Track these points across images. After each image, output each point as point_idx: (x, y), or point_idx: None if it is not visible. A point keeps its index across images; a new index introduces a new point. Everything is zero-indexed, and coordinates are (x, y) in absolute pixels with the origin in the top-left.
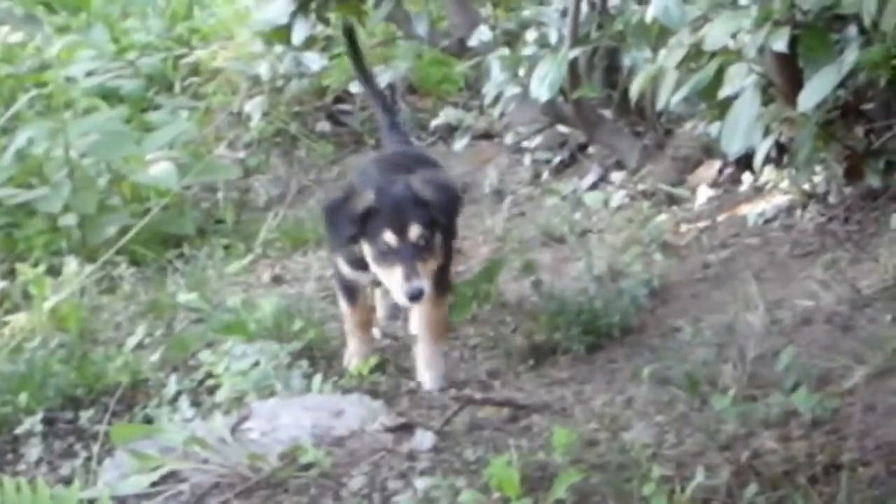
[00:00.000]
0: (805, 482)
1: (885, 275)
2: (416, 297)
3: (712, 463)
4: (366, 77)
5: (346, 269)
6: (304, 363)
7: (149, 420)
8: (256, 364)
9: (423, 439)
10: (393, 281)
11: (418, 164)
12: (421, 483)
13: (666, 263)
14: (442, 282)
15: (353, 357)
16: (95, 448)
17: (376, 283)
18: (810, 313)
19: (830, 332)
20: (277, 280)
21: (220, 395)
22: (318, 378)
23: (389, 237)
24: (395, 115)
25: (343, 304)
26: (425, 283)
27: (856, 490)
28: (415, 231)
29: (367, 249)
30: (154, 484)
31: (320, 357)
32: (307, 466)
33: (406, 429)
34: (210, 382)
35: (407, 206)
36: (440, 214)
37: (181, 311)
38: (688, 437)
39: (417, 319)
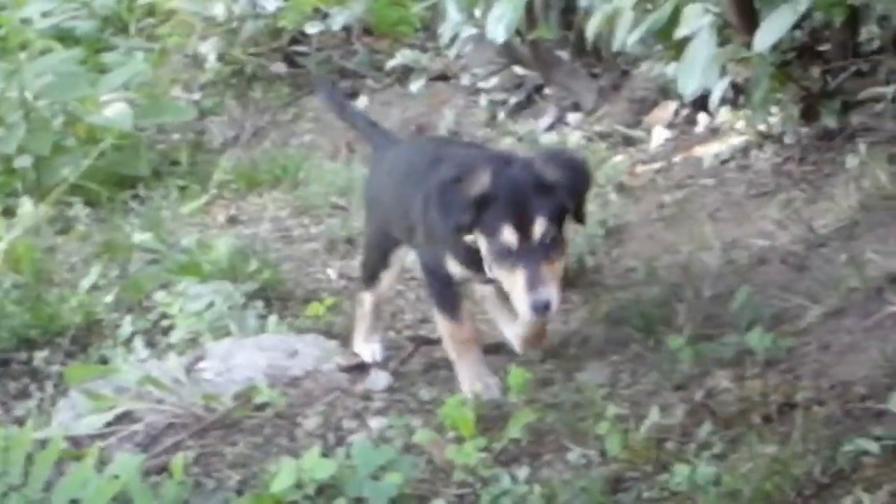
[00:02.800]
0: (759, 421)
1: (841, 215)
2: (541, 309)
3: (667, 402)
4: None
5: (456, 269)
6: (259, 304)
7: (103, 361)
8: (211, 305)
9: (378, 379)
10: (514, 288)
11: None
12: (375, 423)
13: (621, 204)
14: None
15: (473, 384)
16: (49, 389)
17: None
18: (765, 253)
19: (785, 271)
20: (232, 221)
21: (175, 336)
22: (272, 318)
23: (509, 235)
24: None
25: (444, 319)
26: (553, 293)
27: (810, 429)
28: (540, 226)
29: (482, 243)
30: (108, 424)
31: (275, 298)
32: (262, 406)
33: (361, 369)
34: (165, 323)
35: (529, 194)
36: (569, 199)
37: (136, 251)
38: (642, 377)
39: (517, 328)
